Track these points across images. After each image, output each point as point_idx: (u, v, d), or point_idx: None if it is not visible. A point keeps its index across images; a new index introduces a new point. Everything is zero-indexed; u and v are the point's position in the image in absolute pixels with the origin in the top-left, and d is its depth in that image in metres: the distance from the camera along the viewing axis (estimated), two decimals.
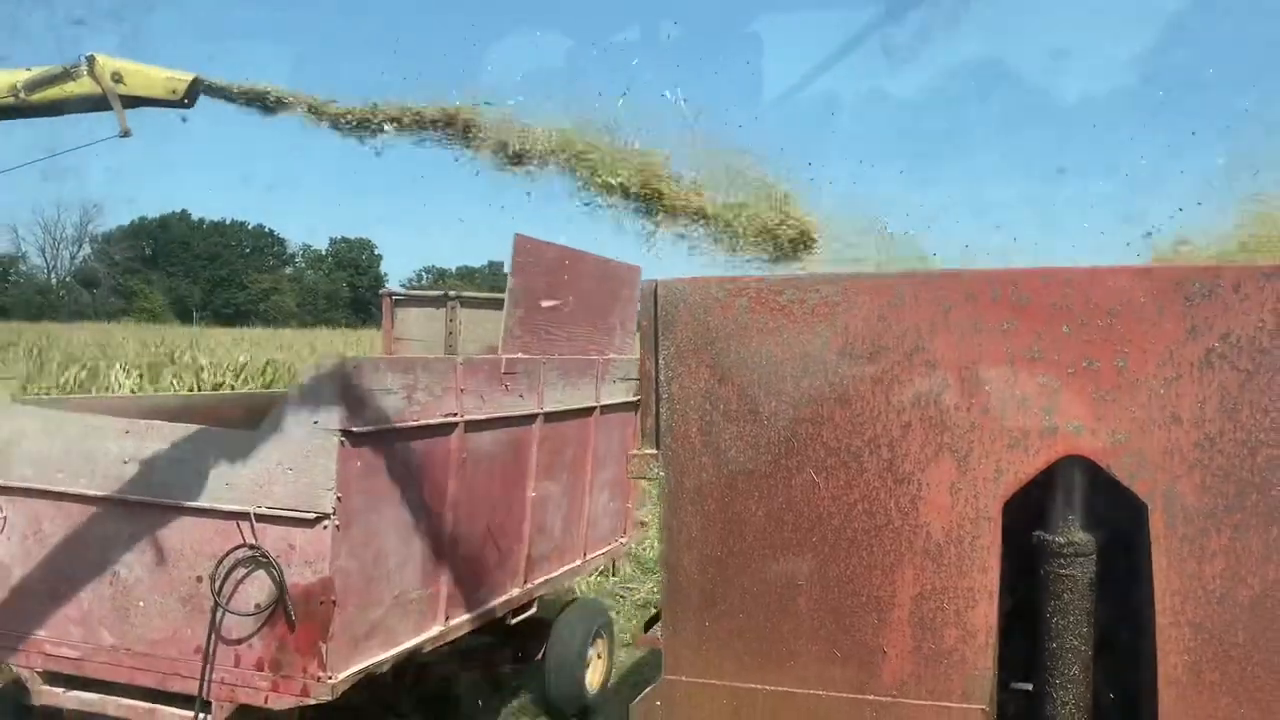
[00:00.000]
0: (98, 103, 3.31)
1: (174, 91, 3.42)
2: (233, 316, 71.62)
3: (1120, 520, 2.86)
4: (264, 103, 3.58)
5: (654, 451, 3.17)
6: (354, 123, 3.61)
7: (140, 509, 4.16)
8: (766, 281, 3.20)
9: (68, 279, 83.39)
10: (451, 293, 8.55)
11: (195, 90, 3.50)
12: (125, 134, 3.32)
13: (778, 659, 3.04)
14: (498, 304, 6.83)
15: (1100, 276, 2.78)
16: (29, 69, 3.24)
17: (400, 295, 8.87)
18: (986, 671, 2.87)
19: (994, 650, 2.88)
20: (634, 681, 6.63)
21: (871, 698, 2.95)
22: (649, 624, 3.70)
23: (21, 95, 3.22)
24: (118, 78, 3.29)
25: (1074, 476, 2.87)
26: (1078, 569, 2.88)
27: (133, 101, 3.35)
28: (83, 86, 3.27)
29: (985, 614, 2.86)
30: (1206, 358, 2.65)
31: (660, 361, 3.16)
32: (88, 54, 3.26)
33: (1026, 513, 2.90)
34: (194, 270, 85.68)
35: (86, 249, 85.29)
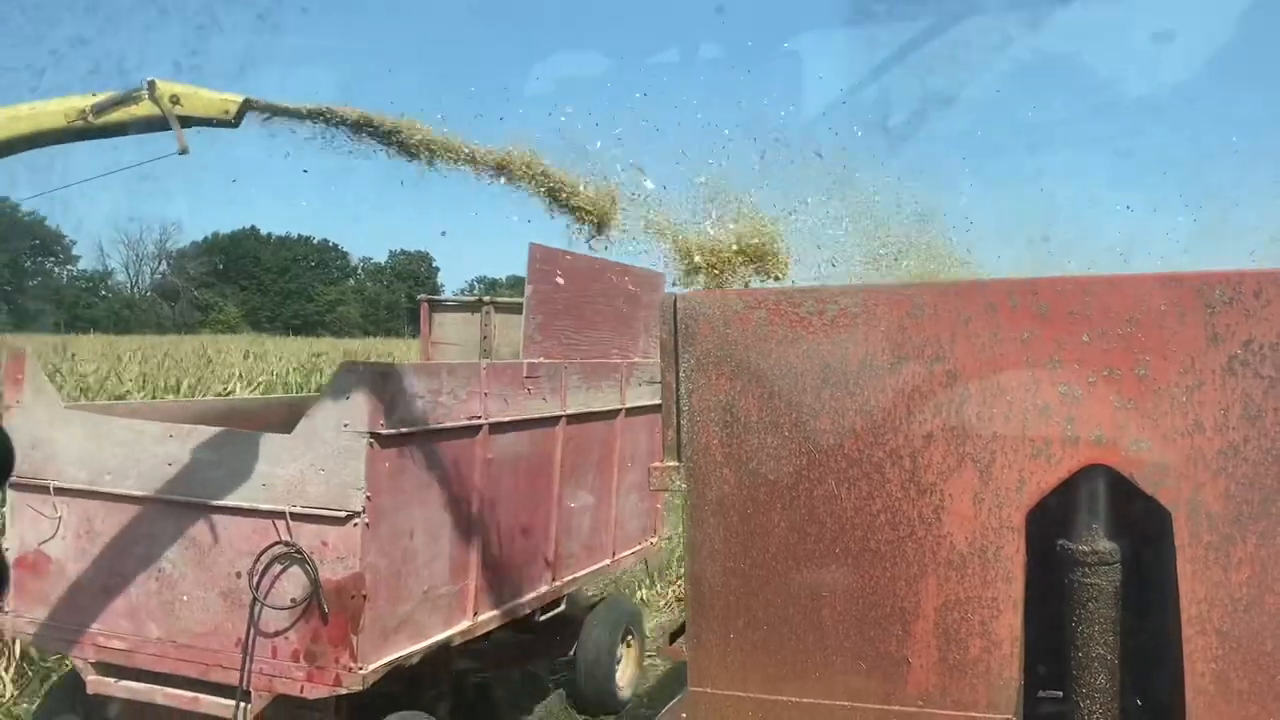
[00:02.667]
0: (158, 124, 3.49)
1: (226, 112, 3.61)
2: (300, 327, 73.77)
3: (1144, 529, 2.86)
4: (313, 119, 3.78)
5: (676, 464, 3.19)
6: (400, 139, 3.84)
7: (183, 508, 4.36)
8: (785, 293, 3.21)
9: (148, 293, 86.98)
10: (486, 298, 8.78)
11: (244, 111, 3.68)
12: (184, 151, 3.51)
13: (803, 670, 3.05)
14: None
15: (1120, 284, 2.78)
16: (94, 94, 3.42)
17: (437, 301, 9.11)
18: (1012, 681, 2.87)
19: (1020, 660, 2.87)
20: (652, 692, 6.66)
21: (897, 709, 2.95)
22: (674, 635, 3.71)
23: (90, 119, 3.41)
24: (175, 100, 3.48)
25: (1097, 485, 2.86)
26: (1102, 578, 2.87)
27: (188, 122, 3.53)
28: (144, 109, 3.46)
29: (1010, 624, 2.85)
30: (1229, 365, 2.64)
31: (680, 374, 3.17)
32: (148, 79, 3.44)
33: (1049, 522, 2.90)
34: (264, 284, 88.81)
35: (164, 265, 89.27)
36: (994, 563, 2.86)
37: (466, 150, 3.88)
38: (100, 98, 3.44)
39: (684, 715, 3.21)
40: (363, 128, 3.84)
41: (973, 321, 2.87)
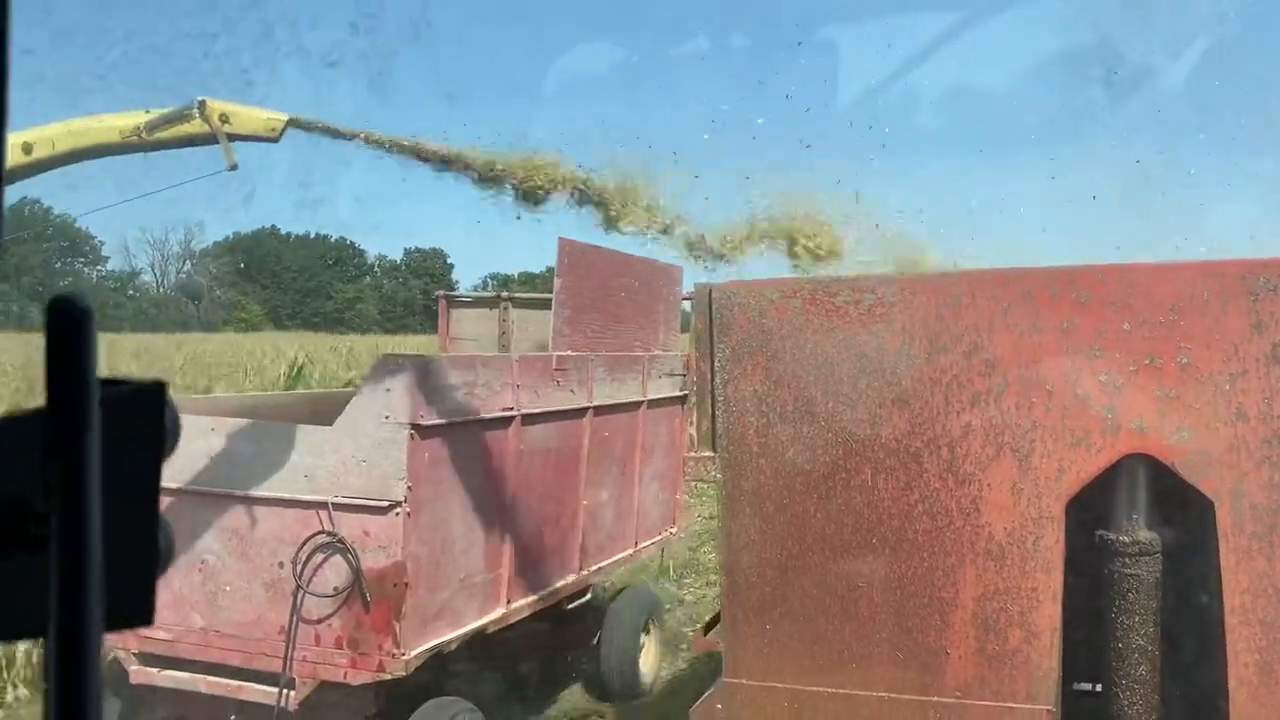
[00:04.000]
0: (207, 140, 3.68)
1: (273, 130, 3.81)
2: (320, 324, 74.33)
3: (1185, 518, 2.84)
4: (346, 137, 3.97)
5: (711, 454, 3.19)
6: (433, 159, 4.10)
7: (225, 500, 4.41)
8: (821, 283, 3.20)
9: (174, 293, 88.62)
10: (504, 293, 8.89)
11: (287, 128, 3.88)
12: (233, 167, 3.69)
13: (840, 662, 3.04)
14: (546, 304, 7.08)
15: (1162, 272, 2.76)
16: (148, 111, 3.62)
17: (455, 297, 9.22)
18: (1051, 672, 2.85)
19: (1059, 651, 2.86)
20: (674, 686, 6.68)
21: (935, 699, 2.94)
22: (708, 626, 3.71)
23: (144, 135, 3.60)
24: (225, 119, 3.67)
25: (1137, 475, 2.84)
26: (1143, 568, 2.85)
27: (234, 138, 3.71)
28: (195, 127, 3.65)
29: (1050, 614, 2.84)
30: (1274, 352, 2.62)
31: (715, 364, 3.17)
32: (199, 98, 3.59)
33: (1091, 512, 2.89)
34: (284, 282, 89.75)
35: (188, 265, 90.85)
36: (1033, 553, 2.84)
37: (503, 165, 4.02)
38: (154, 115, 3.62)
39: (719, 706, 3.20)
40: (404, 152, 4.02)
41: (1011, 310, 2.85)
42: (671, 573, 9.51)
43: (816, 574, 3.06)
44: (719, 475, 3.17)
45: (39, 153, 3.52)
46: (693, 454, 3.22)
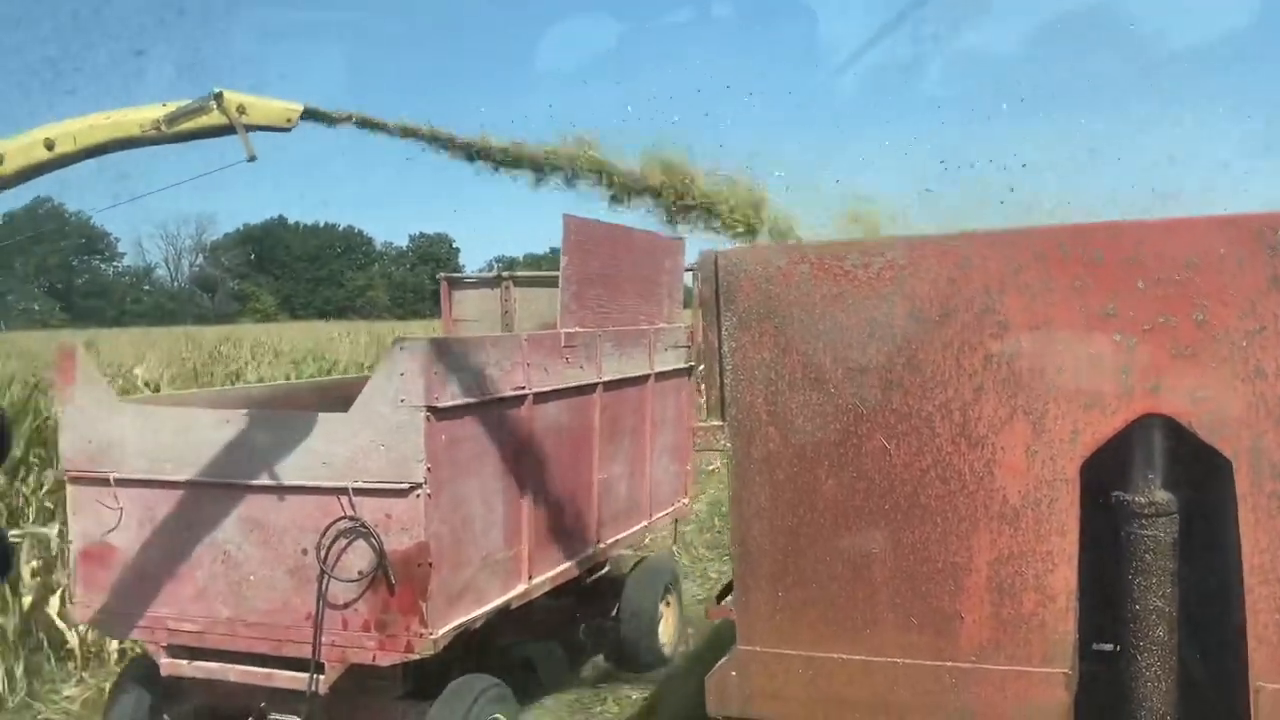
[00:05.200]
0: (225, 131, 3.66)
1: (289, 120, 3.79)
2: (332, 313, 75.74)
3: (1203, 479, 2.80)
4: (363, 126, 3.97)
5: (720, 423, 3.16)
6: (448, 146, 4.06)
7: (245, 491, 4.45)
8: (829, 247, 3.16)
9: (188, 285, 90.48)
10: (505, 273, 8.95)
11: (300, 118, 3.86)
12: (252, 159, 3.69)
13: (853, 628, 3.03)
14: (548, 282, 7.15)
15: (1176, 229, 2.71)
16: (165, 104, 3.60)
17: (457, 279, 9.33)
18: (1067, 635, 2.83)
19: (1075, 614, 2.83)
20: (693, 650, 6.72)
21: (950, 664, 2.93)
22: (721, 595, 3.70)
23: (163, 128, 3.58)
24: (242, 110, 3.64)
25: (1153, 435, 2.80)
26: (1160, 529, 2.82)
27: (249, 129, 3.69)
28: (213, 119, 3.62)
29: (1065, 577, 2.81)
30: None
31: (723, 333, 3.13)
32: (216, 90, 3.59)
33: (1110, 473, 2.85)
34: (295, 272, 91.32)
35: (200, 258, 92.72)
36: (1048, 516, 2.81)
37: (533, 153, 4.04)
38: (172, 108, 3.60)
39: (733, 674, 3.20)
40: (428, 139, 4.06)
41: (1023, 271, 2.81)
42: (696, 544, 9.57)
43: (828, 541, 3.04)
44: (728, 444, 3.14)
45: (61, 148, 3.54)
46: (702, 423, 3.19)
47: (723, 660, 3.23)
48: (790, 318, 3.05)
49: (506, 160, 4.07)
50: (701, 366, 3.73)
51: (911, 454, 2.94)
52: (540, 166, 4.07)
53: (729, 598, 3.36)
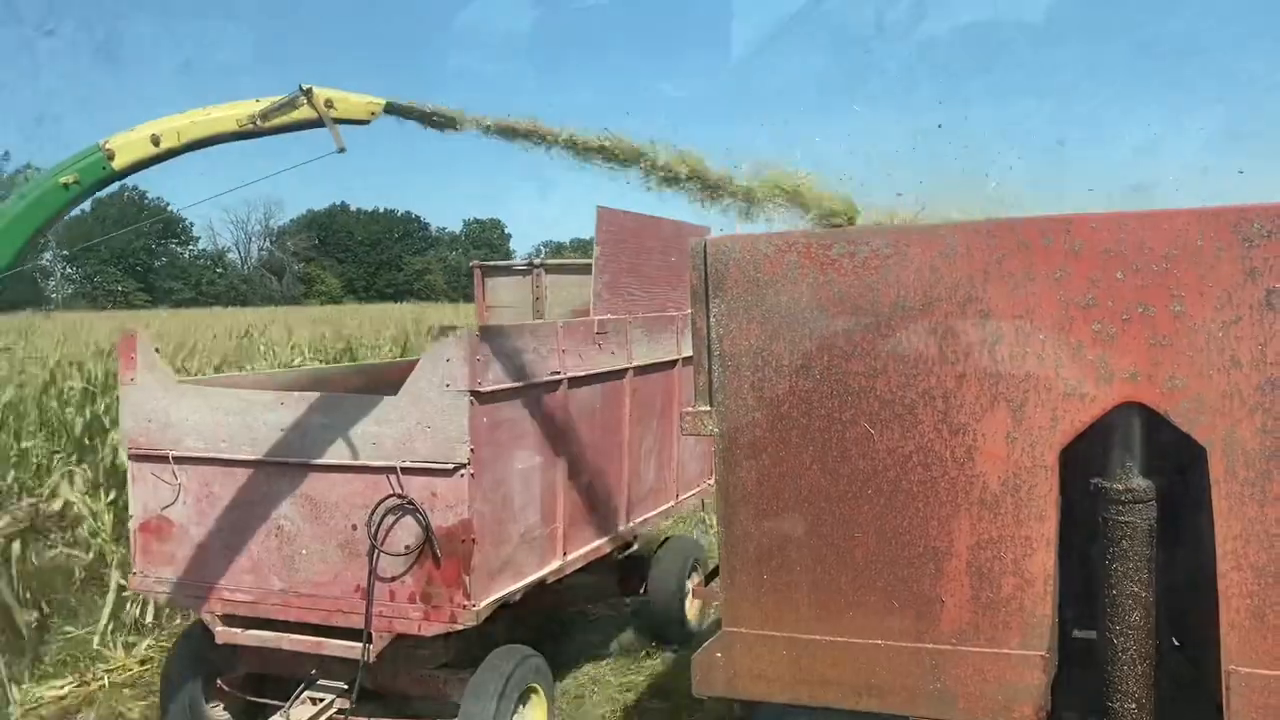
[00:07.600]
0: (314, 124, 3.86)
1: (373, 114, 3.98)
2: (393, 296, 78.44)
3: (1179, 466, 2.85)
4: (442, 122, 4.12)
5: (708, 408, 3.21)
6: (526, 136, 4.16)
7: (298, 469, 4.70)
8: (815, 235, 3.20)
9: (258, 269, 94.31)
10: (536, 261, 9.22)
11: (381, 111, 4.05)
12: (342, 150, 3.85)
13: (836, 610, 3.08)
14: (578, 269, 7.32)
15: (1155, 220, 2.74)
16: (257, 100, 3.83)
17: (490, 266, 9.72)
18: (1045, 619, 2.88)
19: (1053, 598, 2.89)
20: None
21: (930, 646, 2.98)
22: (709, 577, 3.76)
23: (258, 123, 3.80)
24: (329, 104, 3.83)
25: (1131, 423, 2.85)
26: (1137, 515, 2.87)
27: (337, 122, 3.88)
28: (303, 113, 3.82)
29: (1043, 562, 2.87)
30: (1267, 299, 2.61)
31: (711, 319, 3.18)
32: (305, 86, 3.80)
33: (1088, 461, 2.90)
34: (358, 256, 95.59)
35: (269, 242, 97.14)
36: (1027, 501, 2.86)
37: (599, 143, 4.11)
38: (265, 104, 3.81)
39: (719, 655, 3.26)
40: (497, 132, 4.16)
41: (1006, 260, 2.85)
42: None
43: (813, 525, 3.09)
44: (715, 429, 3.19)
45: (166, 143, 3.76)
46: (690, 408, 3.24)
47: (709, 641, 3.30)
48: (777, 304, 3.10)
49: (605, 154, 4.14)
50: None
51: (895, 440, 2.99)
52: (637, 160, 4.13)
53: (716, 580, 3.42)
